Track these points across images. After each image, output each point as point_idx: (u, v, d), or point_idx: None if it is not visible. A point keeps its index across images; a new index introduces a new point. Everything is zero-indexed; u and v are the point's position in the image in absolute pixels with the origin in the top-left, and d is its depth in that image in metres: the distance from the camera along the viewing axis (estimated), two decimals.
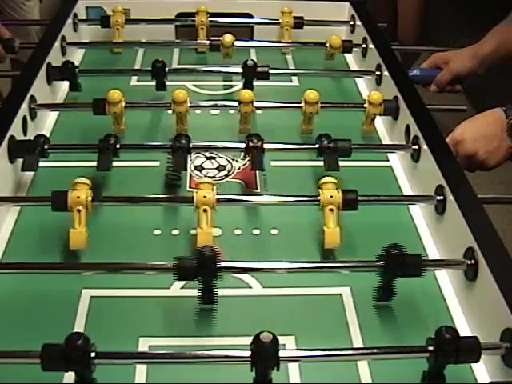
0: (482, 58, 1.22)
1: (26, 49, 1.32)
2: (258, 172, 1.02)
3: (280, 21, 1.40)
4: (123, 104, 1.05)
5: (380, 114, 1.11)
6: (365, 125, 1.12)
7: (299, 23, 1.41)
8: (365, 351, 0.73)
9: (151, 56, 1.25)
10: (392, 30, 1.76)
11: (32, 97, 1.07)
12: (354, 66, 1.39)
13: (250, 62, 1.18)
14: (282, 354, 0.71)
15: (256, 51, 1.40)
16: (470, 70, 1.23)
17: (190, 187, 1.00)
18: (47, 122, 1.13)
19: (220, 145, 1.02)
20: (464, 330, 0.78)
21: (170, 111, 1.08)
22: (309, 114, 1.09)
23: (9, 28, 1.35)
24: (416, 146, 1.00)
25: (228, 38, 1.30)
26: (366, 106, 1.10)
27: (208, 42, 1.33)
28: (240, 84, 1.21)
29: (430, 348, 0.65)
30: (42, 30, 1.67)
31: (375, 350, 0.69)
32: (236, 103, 1.09)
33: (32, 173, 0.99)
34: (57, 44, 1.26)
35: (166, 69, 1.17)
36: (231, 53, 1.31)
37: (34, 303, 0.78)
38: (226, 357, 0.66)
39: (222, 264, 0.74)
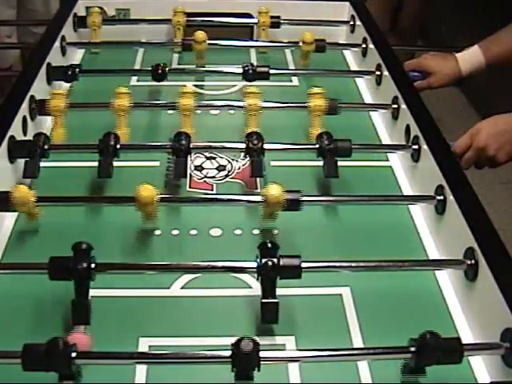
0: (462, 77, 1.27)
1: None
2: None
3: (256, 20, 1.40)
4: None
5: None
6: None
7: (275, 23, 1.40)
8: (365, 351, 0.73)
9: (151, 56, 1.25)
10: (391, 18, 1.77)
11: (32, 97, 1.07)
12: (354, 66, 1.39)
13: (249, 63, 1.18)
14: (281, 354, 0.71)
15: (256, 51, 1.40)
16: (447, 85, 1.30)
17: (190, 187, 1.00)
18: (47, 122, 1.13)
19: (220, 145, 1.02)
20: (464, 329, 0.78)
21: (170, 111, 1.08)
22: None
23: (5, 28, 1.35)
24: (416, 146, 1.00)
25: (200, 34, 1.28)
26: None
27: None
28: (240, 84, 1.21)
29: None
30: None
31: (375, 350, 0.69)
32: (237, 103, 1.09)
33: None
34: (57, 44, 1.26)
35: (166, 69, 1.17)
36: (203, 50, 1.29)
37: (33, 303, 0.78)
38: (226, 357, 0.66)
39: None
